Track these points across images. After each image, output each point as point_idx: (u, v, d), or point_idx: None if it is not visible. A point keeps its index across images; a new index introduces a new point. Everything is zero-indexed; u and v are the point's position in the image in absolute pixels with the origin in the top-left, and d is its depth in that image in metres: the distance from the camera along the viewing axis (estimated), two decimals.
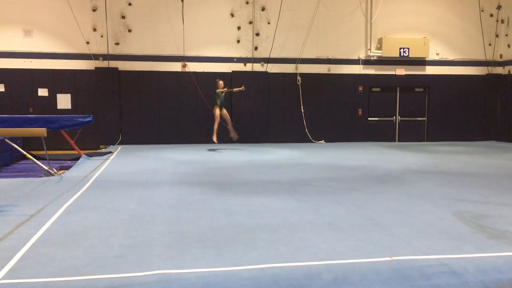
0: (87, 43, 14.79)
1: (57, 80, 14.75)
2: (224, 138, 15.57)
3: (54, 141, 13.30)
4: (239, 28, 15.62)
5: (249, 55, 15.79)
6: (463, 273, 3.81)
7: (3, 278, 3.61)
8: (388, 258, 4.06)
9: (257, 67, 15.87)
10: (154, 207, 6.04)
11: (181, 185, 7.67)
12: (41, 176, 8.98)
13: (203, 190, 7.23)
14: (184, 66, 15.43)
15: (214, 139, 13.13)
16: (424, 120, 17.01)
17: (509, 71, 16.76)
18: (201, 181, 8.09)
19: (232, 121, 13.69)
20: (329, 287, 3.60)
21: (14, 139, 10.86)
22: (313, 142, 16.06)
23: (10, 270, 3.79)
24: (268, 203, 6.31)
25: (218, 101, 13.19)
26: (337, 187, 7.53)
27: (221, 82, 13.30)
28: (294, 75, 15.97)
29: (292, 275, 3.74)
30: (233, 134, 13.49)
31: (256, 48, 15.75)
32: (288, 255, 4.18)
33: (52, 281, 3.58)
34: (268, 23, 15.71)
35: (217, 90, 13.19)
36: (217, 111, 13.19)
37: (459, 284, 3.68)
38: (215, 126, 13.19)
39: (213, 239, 4.65)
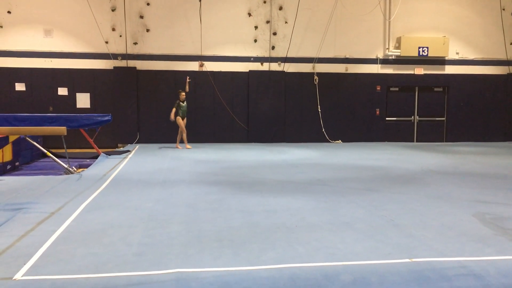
0: (106, 42, 14.95)
1: (77, 80, 14.94)
2: (241, 138, 15.62)
3: (73, 139, 13.47)
4: (256, 27, 15.62)
5: (266, 55, 15.78)
6: (484, 275, 3.75)
7: (25, 275, 3.68)
8: (407, 260, 4.03)
9: (274, 67, 15.85)
10: (171, 206, 6.08)
11: (198, 184, 7.70)
12: (61, 174, 9.11)
13: (220, 190, 7.25)
14: (201, 65, 15.49)
15: (179, 147, 13.81)
16: (443, 120, 16.79)
17: None
18: (218, 181, 8.11)
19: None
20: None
21: (34, 137, 11.05)
22: (330, 142, 15.98)
23: (31, 267, 3.86)
24: (285, 203, 6.30)
25: (181, 112, 13.56)
26: (354, 188, 7.48)
27: (183, 94, 13.60)
28: (311, 74, 15.91)
29: (310, 275, 3.73)
30: (187, 145, 13.92)
31: (273, 48, 15.74)
32: (305, 255, 4.17)
33: (72, 278, 3.63)
34: (286, 22, 15.68)
35: (179, 101, 13.55)
36: (181, 121, 13.58)
37: (480, 287, 3.63)
38: (180, 137, 13.83)
39: (230, 238, 4.66)
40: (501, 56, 16.71)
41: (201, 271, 3.77)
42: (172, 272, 3.72)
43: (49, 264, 3.91)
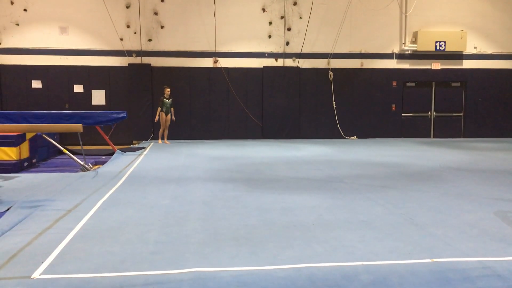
0: (121, 39, 14.99)
1: (92, 77, 15.02)
2: (256, 135, 15.56)
3: (89, 136, 13.55)
4: (270, 23, 15.51)
5: (281, 50, 15.67)
6: (508, 277, 3.65)
7: (43, 273, 3.68)
8: (428, 260, 3.94)
9: (289, 63, 15.74)
10: (187, 204, 6.06)
11: (214, 181, 7.67)
12: (77, 171, 9.16)
13: (235, 187, 7.22)
14: (215, 62, 15.45)
15: (160, 141, 14.10)
16: (461, 116, 16.52)
17: None
18: (233, 177, 8.08)
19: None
20: None
21: (51, 134, 11.12)
22: (345, 138, 15.84)
23: (49, 265, 3.86)
24: (301, 200, 6.24)
25: (164, 108, 13.75)
26: (371, 185, 7.38)
27: (168, 90, 13.73)
28: (326, 70, 15.76)
29: (329, 275, 3.67)
30: (166, 140, 14.11)
31: (287, 43, 15.62)
32: (324, 254, 4.11)
33: (89, 277, 3.62)
34: (300, 17, 15.54)
35: (163, 97, 13.73)
36: (163, 117, 13.77)
37: None
38: (161, 131, 14.05)
39: (247, 237, 4.62)
40: None
41: (218, 271, 3.74)
42: (190, 272, 3.70)
43: (67, 263, 3.91)
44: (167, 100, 13.79)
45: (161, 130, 14.09)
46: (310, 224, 5.07)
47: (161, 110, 13.79)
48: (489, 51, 16.30)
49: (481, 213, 5.54)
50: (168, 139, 14.32)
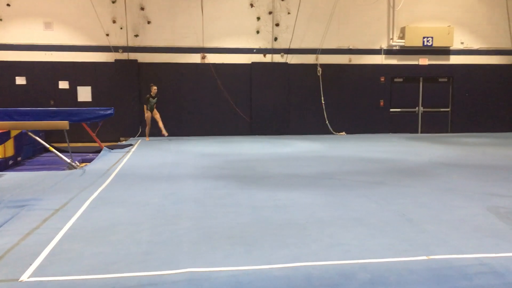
0: (107, 35, 14.78)
1: (78, 73, 14.79)
2: (244, 131, 15.49)
3: (75, 133, 13.33)
4: (258, 18, 15.42)
5: (269, 46, 15.60)
6: (505, 273, 3.63)
7: (32, 276, 3.57)
8: (424, 257, 3.91)
9: (277, 58, 15.68)
10: (179, 202, 5.97)
11: (205, 179, 7.58)
12: (63, 169, 9.00)
13: (227, 184, 7.14)
14: (203, 57, 15.32)
15: (148, 139, 14.17)
16: (448, 111, 16.64)
17: None
18: (224, 175, 7.99)
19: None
20: (366, 287, 3.47)
21: (36, 131, 10.92)
22: (334, 134, 15.85)
23: (38, 267, 3.74)
24: (294, 197, 6.18)
25: (149, 106, 13.73)
26: (363, 181, 7.36)
27: (155, 88, 13.70)
28: (314, 66, 15.74)
29: (326, 274, 3.61)
30: (164, 132, 13.94)
31: (276, 39, 15.56)
32: (320, 252, 4.05)
33: (80, 279, 3.52)
34: (288, 13, 15.48)
35: (149, 96, 13.70)
36: (148, 115, 13.77)
37: (502, 285, 3.51)
38: (148, 129, 14.11)
39: (241, 235, 4.54)
40: (507, 45, 16.52)
41: (213, 271, 3.66)
42: (184, 272, 3.61)
43: (56, 264, 3.80)
44: (153, 99, 13.65)
45: (147, 128, 13.95)
46: (304, 221, 5.01)
47: (147, 108, 13.70)
48: (475, 46, 16.43)
49: (473, 209, 5.54)
50: (155, 135, 14.17)
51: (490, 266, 3.73)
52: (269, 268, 3.71)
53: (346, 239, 4.40)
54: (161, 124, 13.92)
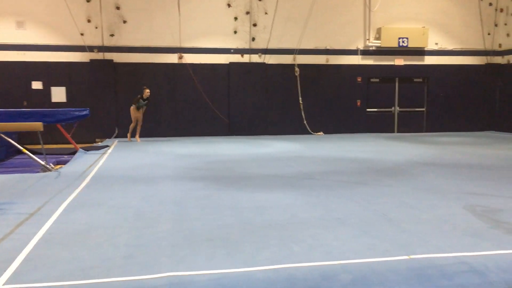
0: (82, 34, 14.49)
1: (52, 73, 14.45)
2: (222, 131, 15.41)
3: (49, 135, 13.00)
4: (236, 18, 15.36)
5: (247, 46, 15.55)
6: (485, 272, 3.69)
7: (6, 283, 3.45)
8: (405, 257, 3.93)
9: (255, 58, 15.65)
10: (158, 204, 5.88)
11: (184, 180, 7.50)
12: (38, 172, 8.77)
13: (206, 185, 7.07)
14: (180, 57, 15.18)
15: (129, 139, 13.86)
16: (423, 111, 16.89)
17: (508, 61, 16.63)
18: (203, 176, 7.92)
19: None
20: None
21: (9, 133, 10.61)
22: (312, 134, 15.90)
23: (13, 273, 3.63)
24: (275, 198, 6.16)
25: (138, 105, 13.53)
26: (342, 181, 7.39)
27: (147, 91, 13.54)
28: (292, 66, 15.75)
29: (308, 276, 3.60)
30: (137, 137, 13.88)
31: (253, 39, 15.52)
32: (301, 254, 4.04)
33: (57, 285, 3.43)
34: (266, 13, 15.46)
35: (140, 97, 13.49)
36: (134, 113, 13.55)
37: (482, 284, 3.56)
38: (132, 126, 13.76)
39: (222, 237, 4.49)
40: (479, 46, 16.86)
41: (194, 274, 3.61)
42: (165, 276, 3.54)
43: (32, 271, 3.69)
44: (143, 101, 13.51)
45: (132, 125, 13.69)
46: (286, 222, 5.00)
47: (135, 108, 13.46)
48: (449, 47, 16.71)
49: (451, 208, 5.62)
50: (132, 136, 13.96)
51: (471, 265, 3.77)
52: (251, 270, 3.68)
53: (328, 240, 4.40)
54: (138, 130, 13.79)
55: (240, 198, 6.16)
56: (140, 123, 13.75)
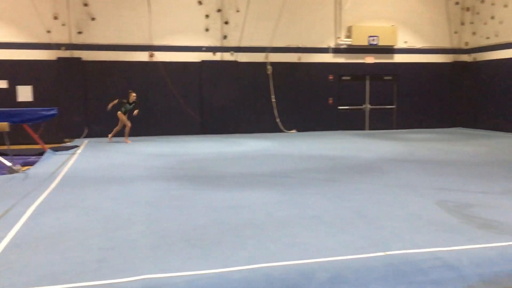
0: (48, 32, 14.10)
1: (17, 71, 14.02)
2: (195, 130, 15.28)
3: (16, 135, 12.59)
4: (207, 16, 15.23)
5: (218, 44, 15.45)
6: (458, 266, 3.74)
7: None
8: (381, 253, 3.96)
9: (227, 56, 15.56)
10: (131, 205, 5.76)
11: (157, 180, 7.38)
12: (4, 173, 8.49)
13: (180, 185, 6.98)
14: (151, 55, 14.96)
15: (109, 139, 13.55)
16: (393, 108, 17.16)
17: (474, 59, 17.06)
18: (176, 175, 7.82)
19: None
20: (326, 286, 3.46)
21: None
22: (285, 132, 15.94)
23: None
24: (250, 197, 6.13)
25: (123, 109, 13.30)
26: (317, 178, 7.41)
27: (133, 95, 13.35)
28: (264, 64, 15.74)
29: (285, 275, 3.58)
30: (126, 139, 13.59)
31: (225, 37, 15.42)
32: (278, 253, 4.02)
33: None
34: (237, 11, 15.38)
35: (126, 101, 13.26)
36: (122, 117, 13.30)
37: (456, 278, 3.62)
38: (117, 129, 13.47)
39: (198, 238, 4.43)
40: (447, 44, 17.23)
41: (170, 276, 3.54)
42: (139, 279, 3.46)
43: (0, 276, 3.54)
44: (129, 105, 13.22)
45: (117, 128, 13.39)
46: (262, 221, 4.97)
47: (121, 111, 13.19)
48: (418, 45, 17.02)
49: (424, 204, 5.70)
50: (102, 136, 13.67)
51: (444, 260, 3.83)
52: (228, 271, 3.64)
53: (304, 238, 4.39)
54: (127, 132, 13.50)
55: (215, 198, 6.10)
56: (128, 125, 13.36)
